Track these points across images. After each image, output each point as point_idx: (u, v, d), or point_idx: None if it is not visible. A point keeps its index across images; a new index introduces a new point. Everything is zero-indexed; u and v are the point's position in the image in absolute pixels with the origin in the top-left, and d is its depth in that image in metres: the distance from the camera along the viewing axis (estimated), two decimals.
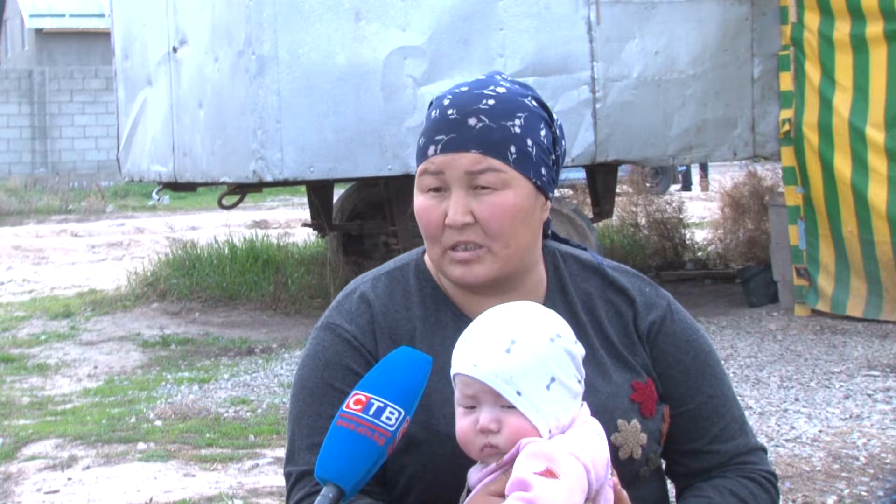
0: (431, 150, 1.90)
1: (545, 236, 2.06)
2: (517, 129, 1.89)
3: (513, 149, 1.88)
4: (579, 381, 1.77)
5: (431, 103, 1.96)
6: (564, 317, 1.96)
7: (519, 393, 1.73)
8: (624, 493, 1.80)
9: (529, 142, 1.90)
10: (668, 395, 1.99)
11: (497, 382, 1.73)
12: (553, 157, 1.96)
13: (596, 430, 1.78)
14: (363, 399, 1.76)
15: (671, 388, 1.99)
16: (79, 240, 16.11)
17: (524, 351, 1.74)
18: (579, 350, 1.79)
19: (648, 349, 2.00)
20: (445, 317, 1.96)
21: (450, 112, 1.90)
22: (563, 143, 2.00)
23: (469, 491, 1.79)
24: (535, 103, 1.94)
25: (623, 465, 1.90)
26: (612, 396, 1.93)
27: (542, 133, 1.93)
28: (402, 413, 1.76)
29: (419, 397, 1.79)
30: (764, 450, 2.07)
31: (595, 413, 1.84)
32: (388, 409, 1.75)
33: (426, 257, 2.01)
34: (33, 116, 26.62)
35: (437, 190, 1.91)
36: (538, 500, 1.65)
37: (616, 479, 1.80)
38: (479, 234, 1.89)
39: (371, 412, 1.75)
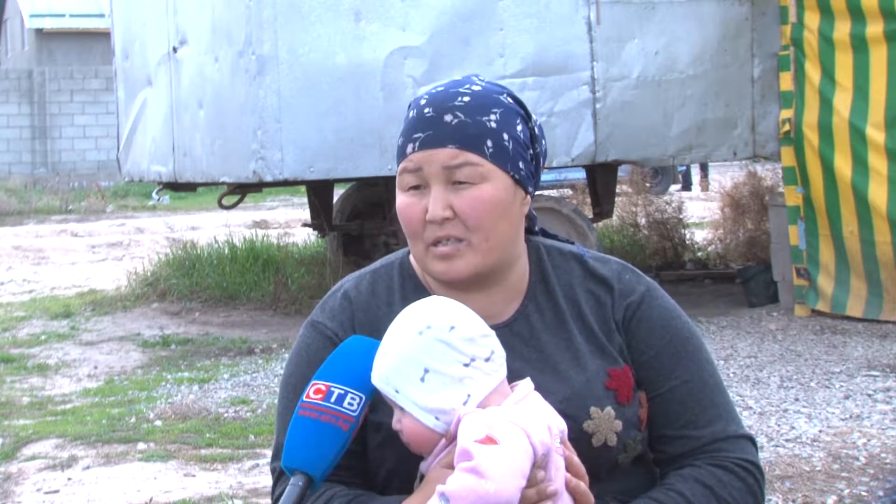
0: (409, 148, 1.94)
1: (531, 232, 2.08)
2: (493, 124, 1.93)
3: (489, 143, 1.92)
4: (466, 365, 1.80)
5: (410, 104, 2.00)
6: (546, 307, 2.02)
7: (397, 391, 1.80)
8: (576, 459, 1.83)
9: (506, 136, 1.93)
10: (641, 380, 2.00)
11: (381, 385, 1.82)
12: (531, 152, 1.98)
13: (536, 403, 1.82)
14: (323, 388, 1.82)
15: (644, 372, 2.00)
16: (79, 240, 16.11)
17: (393, 350, 1.81)
18: (460, 334, 1.81)
19: (624, 334, 2.01)
20: None
21: (426, 111, 1.94)
22: (543, 142, 2.02)
23: (423, 478, 1.85)
24: (510, 100, 1.98)
25: (598, 453, 1.92)
26: (586, 384, 1.95)
27: (519, 128, 1.96)
28: (363, 398, 1.83)
29: None
30: (749, 438, 2.03)
31: (566, 401, 1.89)
32: (349, 395, 1.81)
33: (412, 256, 2.04)
34: (33, 116, 26.62)
35: (416, 187, 1.94)
36: (480, 467, 1.69)
37: (570, 452, 1.83)
38: (459, 228, 1.92)
39: (332, 400, 1.81)
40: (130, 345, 8.75)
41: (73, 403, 7.11)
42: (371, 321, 2.00)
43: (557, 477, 1.79)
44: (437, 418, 1.78)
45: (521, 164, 1.95)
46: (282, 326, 9.20)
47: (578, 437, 1.88)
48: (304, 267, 10.45)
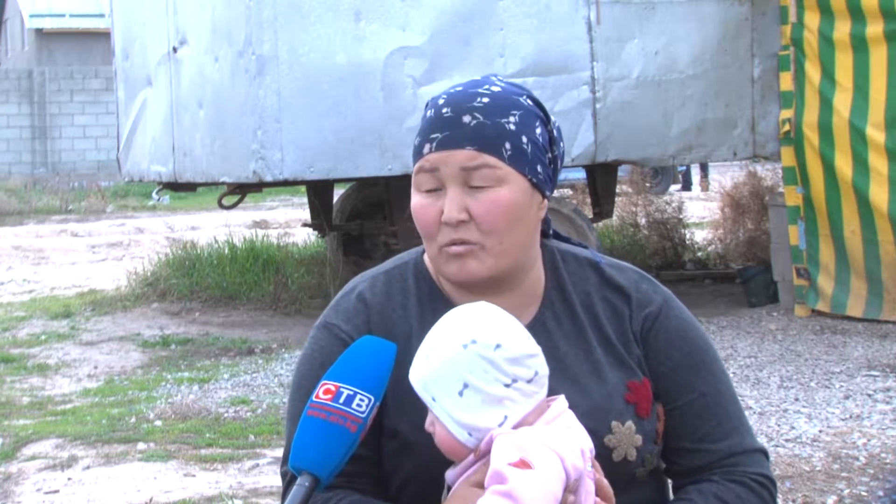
0: (427, 148, 1.90)
1: (546, 235, 2.05)
2: (512, 126, 1.89)
3: (507, 145, 1.88)
4: (507, 386, 1.75)
5: (427, 104, 1.96)
6: (562, 316, 1.98)
7: (434, 399, 1.76)
8: (605, 482, 1.80)
9: (524, 139, 1.90)
10: (659, 392, 1.97)
11: (419, 389, 1.78)
12: (549, 155, 1.95)
13: (569, 423, 1.79)
14: (332, 388, 1.80)
15: (661, 384, 1.97)
16: (79, 240, 16.11)
17: (436, 358, 1.77)
18: (505, 354, 1.76)
19: (642, 346, 1.98)
20: (442, 316, 1.95)
21: (444, 111, 1.90)
22: (562, 144, 1.99)
23: (449, 489, 1.81)
24: (530, 102, 1.94)
25: (617, 467, 1.89)
26: (607, 398, 1.92)
27: (538, 131, 1.92)
28: (372, 400, 1.80)
29: (386, 383, 1.83)
30: (763, 451, 2.03)
31: (588, 414, 1.84)
32: (359, 396, 1.79)
33: (426, 256, 2.01)
34: (33, 116, 26.62)
35: (433, 188, 1.91)
36: (514, 492, 1.66)
37: (599, 474, 1.80)
38: (474, 231, 1.88)
39: (341, 400, 1.79)
40: (130, 345, 8.75)
41: (73, 403, 7.11)
42: (387, 325, 1.96)
43: (587, 501, 1.76)
44: (469, 434, 1.75)
45: (539, 168, 1.91)
46: (282, 326, 9.20)
47: (599, 452, 1.84)
48: (304, 267, 10.45)
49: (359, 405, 1.78)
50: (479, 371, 1.75)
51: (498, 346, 1.76)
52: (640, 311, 1.99)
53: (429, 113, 1.93)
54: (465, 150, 1.88)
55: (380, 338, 1.90)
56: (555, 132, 1.97)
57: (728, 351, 7.51)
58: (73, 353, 8.56)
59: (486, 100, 1.90)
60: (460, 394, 1.75)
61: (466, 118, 1.88)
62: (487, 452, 1.73)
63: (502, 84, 1.94)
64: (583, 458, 1.75)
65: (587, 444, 1.78)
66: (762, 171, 11.64)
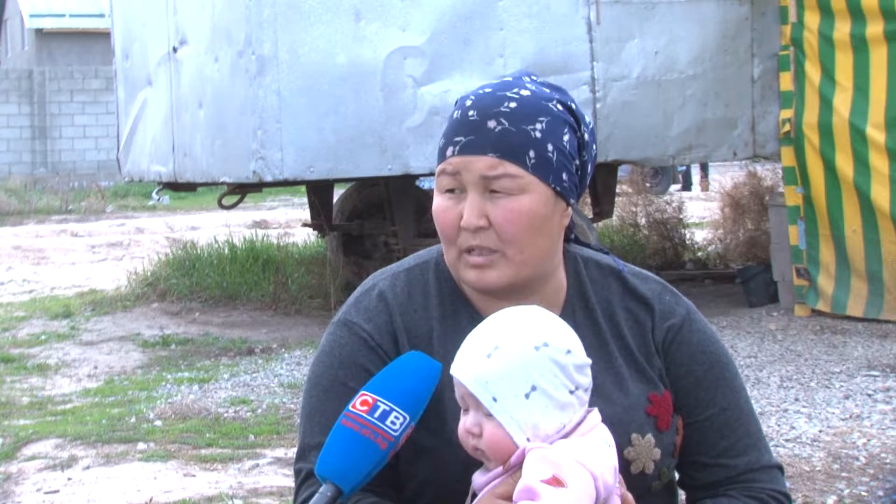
0: (450, 151, 1.87)
1: (567, 240, 2.01)
2: (537, 134, 1.85)
3: (531, 153, 1.85)
4: (571, 392, 1.74)
5: (456, 102, 1.93)
6: (584, 324, 1.94)
7: (495, 399, 1.72)
8: (629, 496, 1.79)
9: (550, 147, 1.86)
10: (679, 405, 1.96)
11: (475, 387, 1.73)
12: (577, 162, 1.91)
13: (604, 437, 1.76)
14: (370, 401, 1.76)
15: (682, 397, 1.96)
16: (79, 240, 16.11)
17: (504, 357, 1.73)
18: (574, 360, 1.75)
19: (663, 358, 1.96)
20: (463, 319, 1.92)
21: (470, 113, 1.87)
22: (594, 147, 1.96)
23: (474, 495, 1.78)
24: (560, 107, 1.90)
25: (634, 480, 1.87)
26: (628, 409, 1.90)
27: (566, 138, 1.88)
28: (408, 419, 1.76)
29: (425, 404, 1.79)
30: (779, 468, 2.01)
31: (609, 425, 1.81)
32: (394, 413, 1.75)
33: (446, 256, 1.98)
34: (33, 116, 26.62)
35: (454, 191, 1.88)
36: None
37: (623, 488, 1.78)
38: (493, 238, 1.86)
39: (376, 415, 1.75)
40: (130, 345, 8.75)
41: (73, 403, 7.11)
42: (408, 325, 1.94)
43: None
44: (528, 439, 1.71)
45: (564, 176, 1.88)
46: (282, 326, 9.20)
47: (618, 464, 1.81)
48: (304, 267, 10.45)
49: (393, 423, 1.74)
50: (550, 375, 1.72)
51: (569, 351, 1.75)
52: (662, 323, 1.97)
53: (455, 114, 1.90)
54: (488, 157, 1.84)
55: (406, 343, 1.87)
56: (586, 136, 1.92)
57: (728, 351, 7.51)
58: (73, 353, 8.57)
59: (513, 105, 1.86)
60: (527, 396, 1.71)
61: (492, 123, 1.85)
62: (517, 465, 1.71)
63: (533, 87, 1.90)
64: (614, 475, 1.73)
65: (615, 458, 1.76)
66: (762, 171, 11.65)
